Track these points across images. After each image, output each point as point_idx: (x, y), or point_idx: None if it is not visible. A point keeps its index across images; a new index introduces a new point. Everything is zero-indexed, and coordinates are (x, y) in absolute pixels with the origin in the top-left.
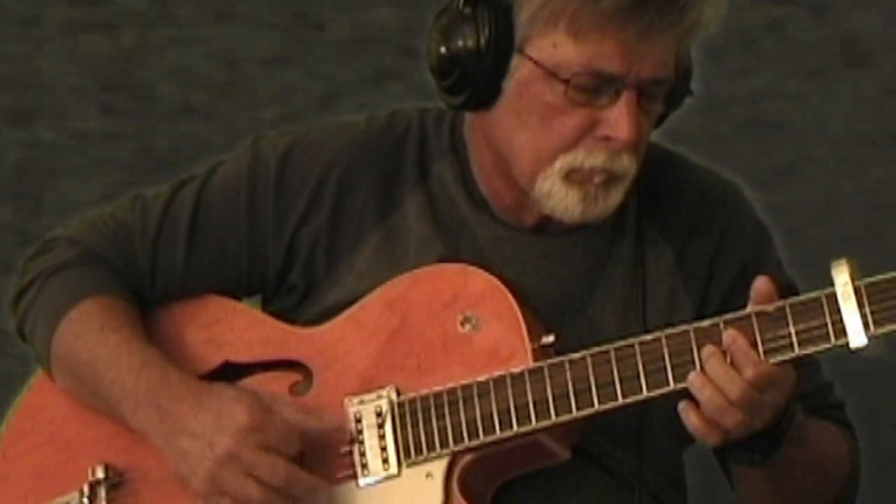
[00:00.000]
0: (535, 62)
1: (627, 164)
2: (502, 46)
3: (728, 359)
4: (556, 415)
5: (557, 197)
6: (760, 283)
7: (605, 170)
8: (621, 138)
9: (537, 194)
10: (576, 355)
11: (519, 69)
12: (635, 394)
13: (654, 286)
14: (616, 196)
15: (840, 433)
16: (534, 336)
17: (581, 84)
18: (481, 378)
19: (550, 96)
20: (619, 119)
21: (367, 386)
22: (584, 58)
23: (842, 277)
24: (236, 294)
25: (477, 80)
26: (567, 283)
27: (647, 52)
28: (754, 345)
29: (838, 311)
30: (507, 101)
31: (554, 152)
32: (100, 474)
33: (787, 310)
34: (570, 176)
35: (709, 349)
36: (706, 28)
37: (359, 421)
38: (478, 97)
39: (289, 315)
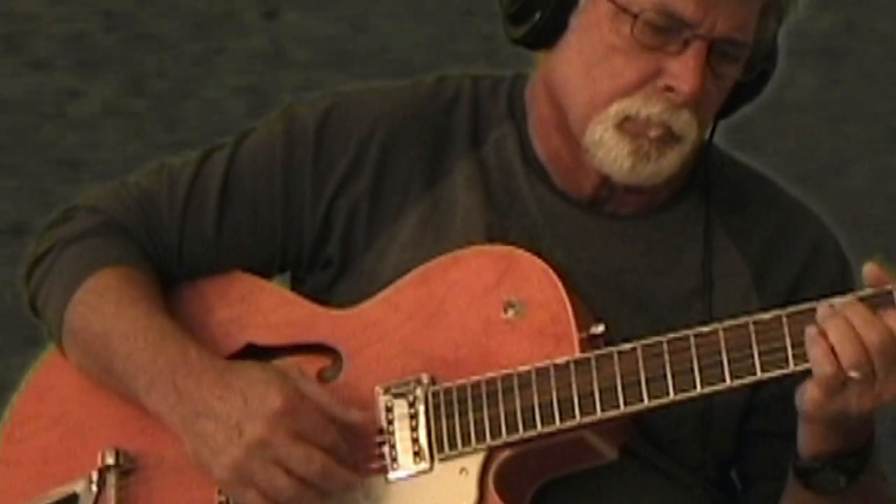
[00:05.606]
0: None
1: (686, 122)
2: None
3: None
4: (603, 409)
5: (608, 146)
6: (871, 270)
7: (662, 123)
8: (683, 90)
9: (588, 141)
10: (626, 346)
11: (589, 4)
12: (688, 389)
13: (722, 300)
14: (671, 158)
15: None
16: (582, 325)
17: (650, 21)
18: (523, 368)
19: (617, 37)
20: (683, 70)
21: (401, 373)
22: None
23: None
24: (268, 269)
25: (545, 11)
26: (622, 272)
27: (723, 4)
28: None
29: None
30: (572, 38)
31: (611, 96)
32: (109, 460)
33: None
34: (625, 125)
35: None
36: (793, 6)
37: (390, 411)
38: (543, 29)
39: (322, 294)
